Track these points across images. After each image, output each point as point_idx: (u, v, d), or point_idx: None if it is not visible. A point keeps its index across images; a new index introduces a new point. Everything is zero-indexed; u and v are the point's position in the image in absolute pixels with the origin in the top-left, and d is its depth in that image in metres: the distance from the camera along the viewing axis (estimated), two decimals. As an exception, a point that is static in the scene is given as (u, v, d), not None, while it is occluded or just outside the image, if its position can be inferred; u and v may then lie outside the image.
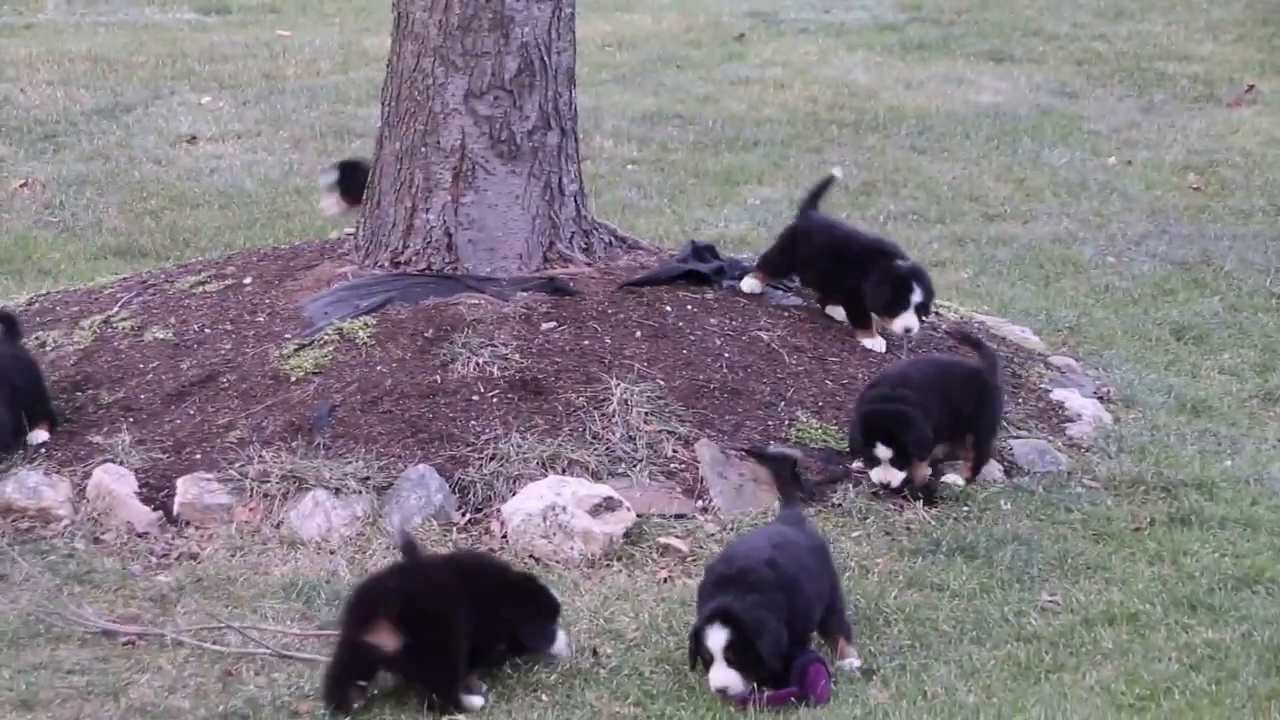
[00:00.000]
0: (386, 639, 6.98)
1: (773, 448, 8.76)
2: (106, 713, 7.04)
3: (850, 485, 8.70)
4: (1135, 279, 11.96)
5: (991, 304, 11.19)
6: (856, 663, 7.32)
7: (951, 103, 16.12)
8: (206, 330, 9.52)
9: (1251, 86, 16.80)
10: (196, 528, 8.45)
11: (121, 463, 8.69)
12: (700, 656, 7.08)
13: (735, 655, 6.99)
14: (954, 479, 8.76)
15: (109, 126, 15.10)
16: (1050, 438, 9.29)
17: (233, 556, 8.26)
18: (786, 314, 9.72)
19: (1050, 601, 7.85)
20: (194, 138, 14.89)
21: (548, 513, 8.27)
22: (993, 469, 8.94)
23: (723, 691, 7.02)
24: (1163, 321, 11.15)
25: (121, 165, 14.19)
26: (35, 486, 8.59)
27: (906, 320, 9.45)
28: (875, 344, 9.60)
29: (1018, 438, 9.19)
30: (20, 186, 13.74)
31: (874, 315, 9.59)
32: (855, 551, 8.25)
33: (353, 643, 7.04)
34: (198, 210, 13.21)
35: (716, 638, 7.00)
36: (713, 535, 8.37)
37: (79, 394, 9.22)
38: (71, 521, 8.49)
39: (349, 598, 7.18)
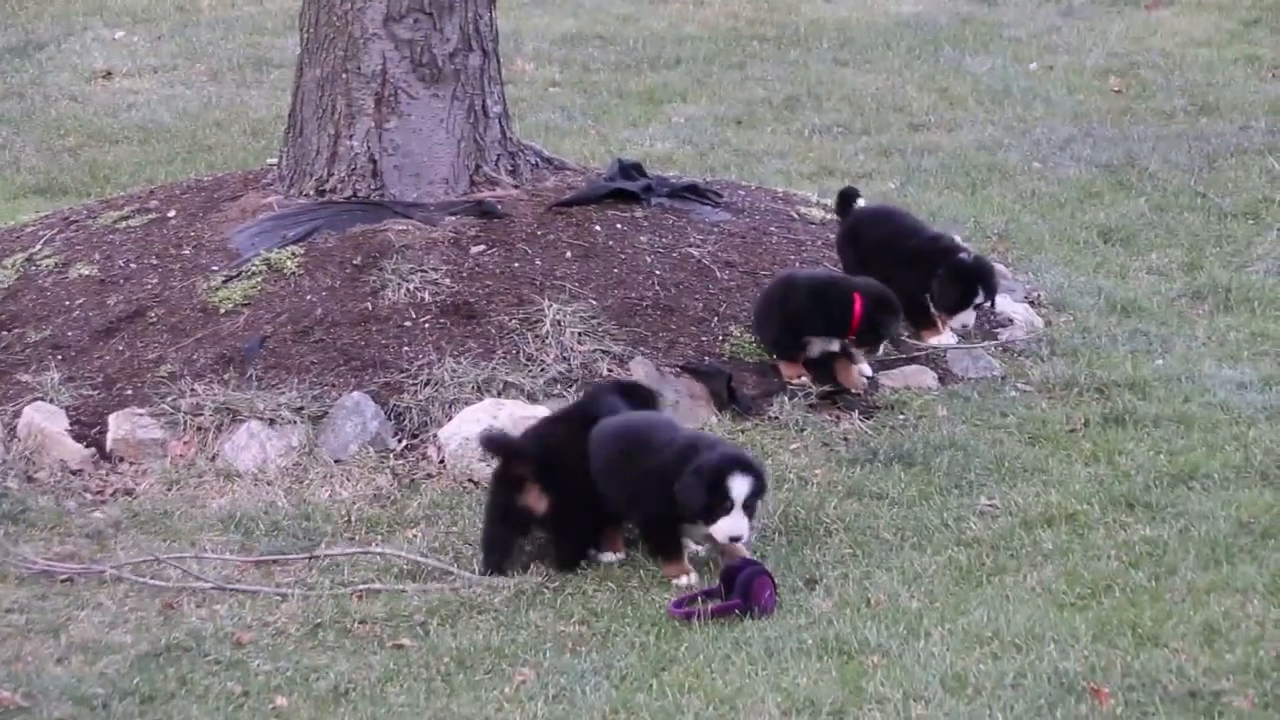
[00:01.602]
0: (535, 501, 7.34)
1: (707, 363, 8.79)
2: (47, 649, 7.01)
3: (786, 398, 8.71)
4: (1061, 183, 11.99)
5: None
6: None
7: (872, 14, 16.12)
8: (132, 265, 9.45)
9: (1170, -13, 16.84)
10: (131, 463, 8.41)
11: (52, 400, 8.64)
12: (711, 504, 7.16)
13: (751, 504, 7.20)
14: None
15: (21, 64, 14.95)
16: (983, 344, 9.33)
17: (169, 490, 8.23)
18: (716, 229, 9.70)
19: (989, 505, 7.89)
20: (109, 73, 14.75)
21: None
22: (927, 376, 8.97)
23: (736, 539, 7.21)
24: (1090, 225, 11.19)
25: (36, 103, 14.06)
26: (-35, 428, 8.54)
27: (966, 318, 9.28)
28: (945, 339, 9.27)
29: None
30: (-68, 128, 13.61)
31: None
32: (794, 463, 8.26)
33: (506, 506, 7.39)
34: (117, 146, 13.10)
35: (741, 485, 7.15)
36: (650, 452, 8.35)
37: (5, 333, 9.15)
38: (3, 461, 8.43)
39: (497, 466, 7.53)
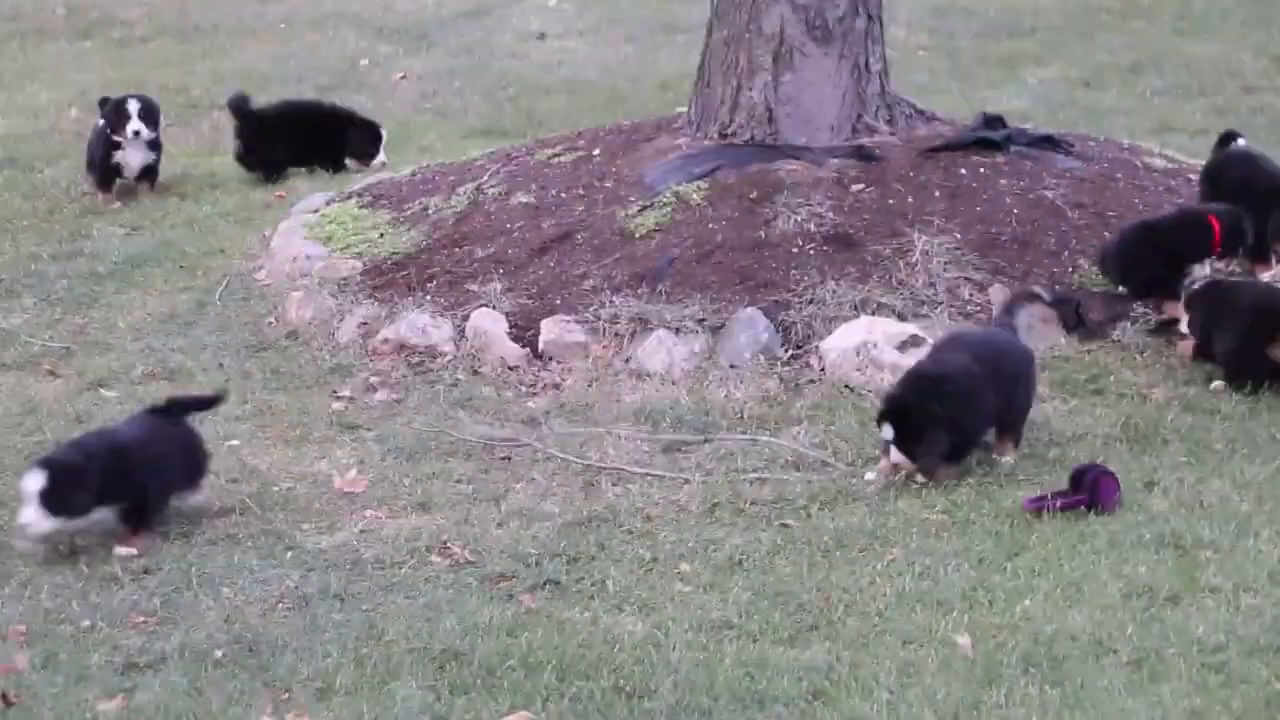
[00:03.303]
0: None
1: (1058, 289, 8.56)
2: (490, 515, 7.13)
3: (1129, 324, 8.45)
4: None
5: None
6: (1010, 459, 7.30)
7: (1210, -11, 15.53)
8: (562, 195, 9.54)
9: None
10: (558, 362, 8.50)
11: (494, 307, 8.77)
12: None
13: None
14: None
15: (472, 27, 15.23)
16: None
17: (589, 386, 8.30)
18: (1068, 175, 9.44)
19: (1316, 421, 7.57)
20: (544, 35, 14.94)
21: (860, 348, 8.17)
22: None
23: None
24: None
25: (484, 59, 14.30)
26: (423, 327, 8.71)
27: None
28: (1275, 270, 8.78)
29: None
30: (400, 79, 13.91)
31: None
32: (1135, 380, 8.02)
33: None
34: (549, 96, 13.26)
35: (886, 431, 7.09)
36: (1006, 368, 8.18)
37: (457, 250, 9.31)
38: (454, 356, 8.59)
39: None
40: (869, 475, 7.28)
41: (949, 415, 7.11)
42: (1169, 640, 5.93)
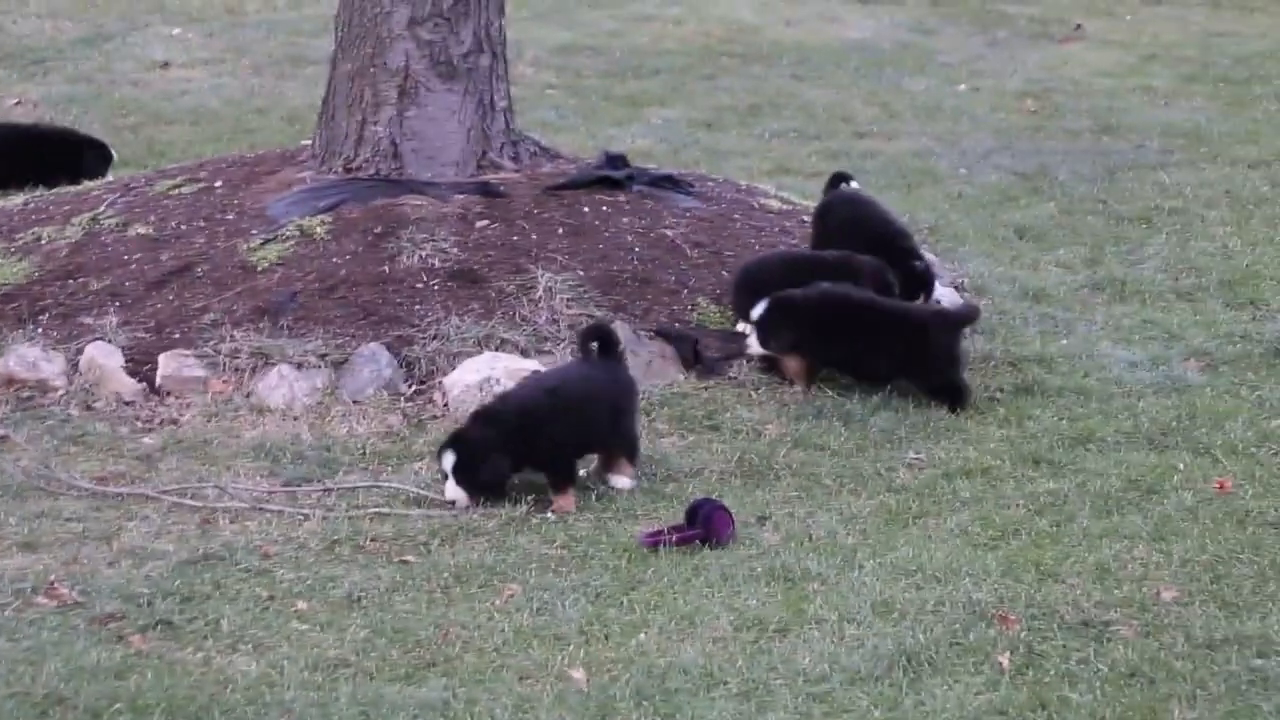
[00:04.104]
0: None
1: (676, 328, 8.72)
2: (101, 554, 6.93)
3: (745, 362, 8.64)
4: (983, 188, 11.94)
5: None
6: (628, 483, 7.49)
7: (825, 38, 16.05)
8: (183, 227, 9.35)
9: (1079, 25, 16.82)
10: (176, 397, 8.32)
11: (110, 341, 8.55)
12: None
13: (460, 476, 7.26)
14: None
15: (91, 53, 14.82)
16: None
17: (208, 422, 8.14)
18: (689, 214, 9.64)
19: (915, 458, 7.85)
20: (166, 64, 14.62)
21: (484, 384, 8.19)
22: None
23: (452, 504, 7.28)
24: (1007, 223, 11.13)
25: (103, 87, 13.92)
26: (34, 361, 8.44)
27: None
28: None
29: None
30: (15, 104, 13.45)
31: None
32: (749, 417, 8.20)
33: None
34: (171, 126, 12.98)
35: (447, 460, 7.27)
36: (625, 403, 8.30)
37: (71, 281, 9.04)
38: (66, 391, 8.34)
39: None
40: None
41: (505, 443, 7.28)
42: (776, 671, 6.07)
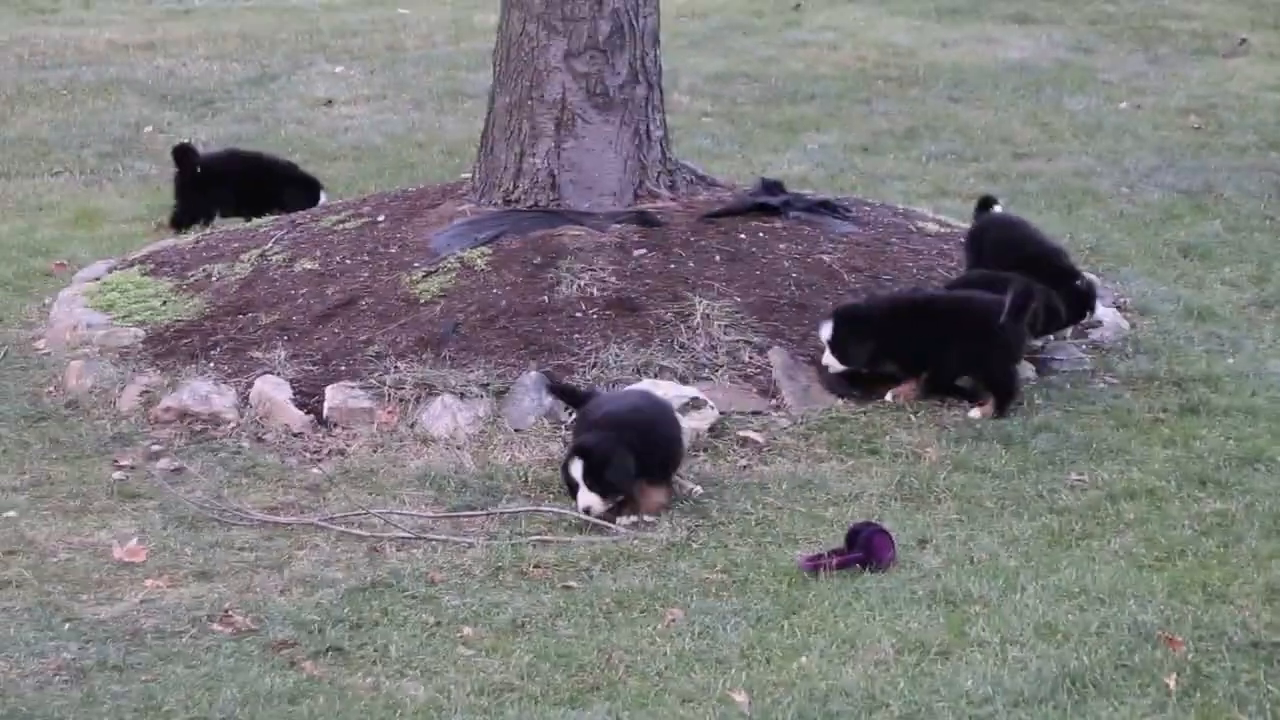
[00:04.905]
0: None
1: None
2: (273, 583, 7.09)
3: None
4: (1146, 206, 11.83)
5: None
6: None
7: (982, 59, 15.97)
8: (347, 261, 9.55)
9: (1244, 40, 16.59)
10: (343, 428, 8.49)
11: (278, 374, 8.74)
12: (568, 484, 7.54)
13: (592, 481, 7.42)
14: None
15: (258, 93, 15.14)
16: (1075, 341, 9.23)
17: (374, 452, 8.30)
18: (845, 240, 9.67)
19: (1078, 480, 7.81)
20: (330, 101, 14.91)
21: (643, 411, 8.25)
22: (1026, 369, 8.86)
23: (587, 510, 7.43)
24: (1171, 241, 11.04)
25: (269, 125, 14.22)
26: (206, 395, 8.65)
27: None
28: None
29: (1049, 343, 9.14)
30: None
31: None
32: (909, 440, 8.21)
33: None
34: (335, 162, 13.23)
35: (575, 468, 7.41)
36: (785, 429, 8.35)
37: (241, 316, 9.27)
38: (237, 424, 8.55)
39: None
40: None
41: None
42: (938, 694, 6.07)
